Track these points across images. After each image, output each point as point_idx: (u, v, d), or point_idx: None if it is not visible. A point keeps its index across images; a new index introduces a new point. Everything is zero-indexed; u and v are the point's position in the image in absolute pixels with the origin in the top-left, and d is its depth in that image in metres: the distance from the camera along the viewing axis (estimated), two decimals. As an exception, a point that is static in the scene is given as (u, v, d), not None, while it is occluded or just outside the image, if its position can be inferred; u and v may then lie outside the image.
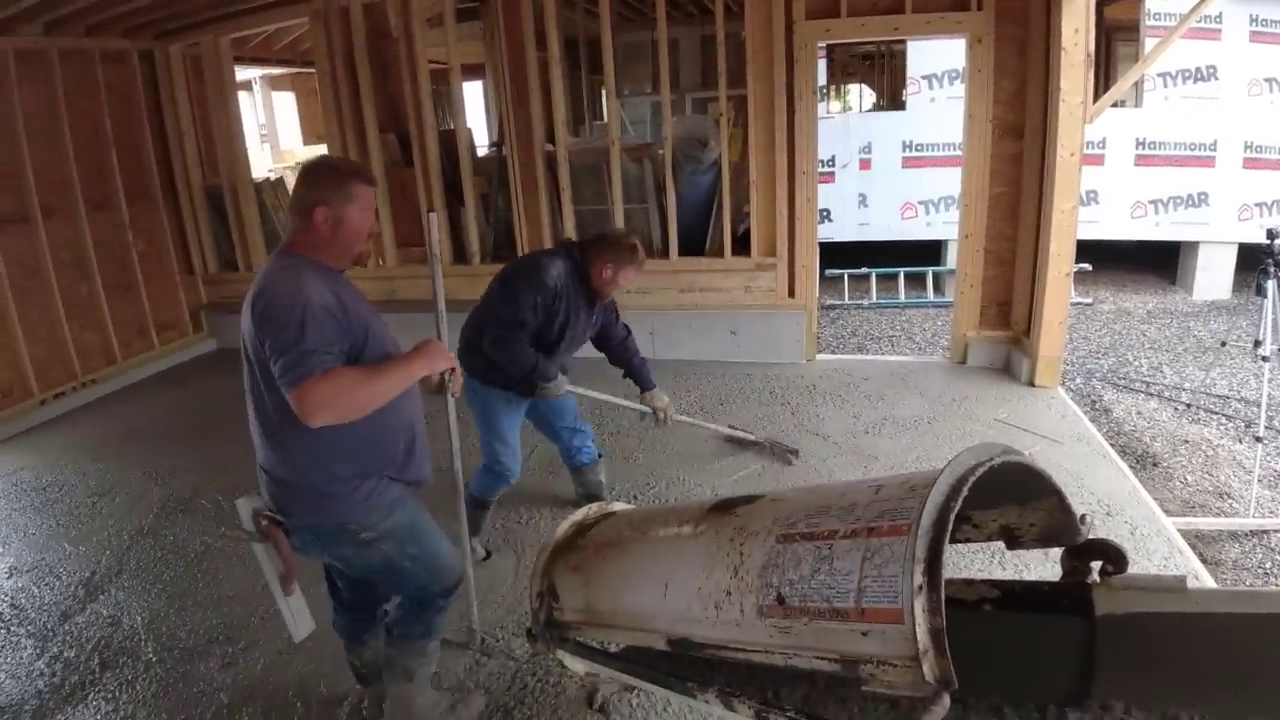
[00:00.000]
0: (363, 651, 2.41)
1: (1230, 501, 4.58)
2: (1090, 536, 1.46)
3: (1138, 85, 8.46)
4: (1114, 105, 7.78)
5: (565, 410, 3.37)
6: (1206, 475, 4.87)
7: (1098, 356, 6.93)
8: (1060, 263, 4.65)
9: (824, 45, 7.75)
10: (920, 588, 1.04)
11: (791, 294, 5.53)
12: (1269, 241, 4.82)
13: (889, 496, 1.21)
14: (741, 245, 5.61)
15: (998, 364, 5.28)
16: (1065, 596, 1.49)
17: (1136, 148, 8.67)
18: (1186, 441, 5.28)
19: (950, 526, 1.06)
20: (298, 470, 1.95)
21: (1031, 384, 4.90)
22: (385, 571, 2.10)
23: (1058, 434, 4.27)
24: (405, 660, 2.26)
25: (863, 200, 9.17)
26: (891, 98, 10.26)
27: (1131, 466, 4.43)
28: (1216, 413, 5.72)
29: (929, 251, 9.16)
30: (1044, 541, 1.44)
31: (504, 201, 6.00)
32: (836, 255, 8.93)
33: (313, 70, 6.51)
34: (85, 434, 4.98)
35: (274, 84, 11.98)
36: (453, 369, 2.11)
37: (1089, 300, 8.50)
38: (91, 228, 5.59)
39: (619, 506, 2.12)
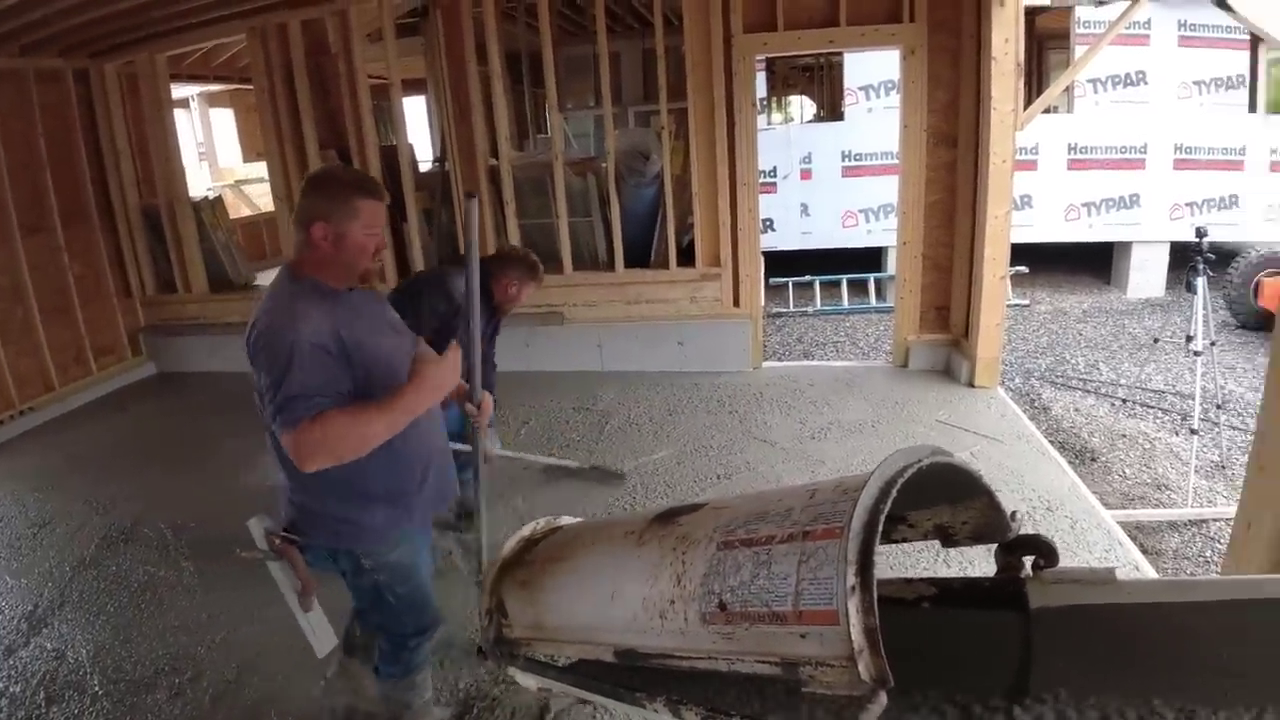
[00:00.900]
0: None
1: (1168, 493, 4.72)
2: (1022, 532, 1.50)
3: (1069, 92, 8.75)
4: (1046, 112, 8.01)
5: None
6: (1144, 468, 5.02)
7: (1036, 356, 7.12)
8: (995, 266, 4.79)
9: (763, 58, 7.88)
10: (853, 588, 1.06)
11: (737, 303, 5.60)
12: (1198, 240, 5.02)
13: (823, 500, 1.23)
14: (686, 256, 5.67)
15: (939, 366, 5.41)
16: (1000, 592, 1.52)
17: (1069, 152, 8.98)
18: (1124, 436, 5.45)
19: (880, 528, 1.08)
20: (312, 496, 1.95)
21: (971, 385, 5.03)
22: (370, 600, 2.10)
23: (998, 433, 4.39)
24: (396, 695, 2.26)
25: (805, 209, 9.33)
26: (831, 109, 10.48)
27: (1071, 462, 4.56)
28: (1152, 407, 5.91)
29: (870, 258, 9.36)
30: (977, 539, 1.48)
31: (447, 216, 5.97)
32: (781, 264, 9.09)
33: (252, 86, 6.41)
34: (24, 464, 4.84)
35: (212, 101, 11.73)
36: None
37: (1026, 301, 8.75)
38: (26, 251, 5.43)
39: (566, 520, 2.12)
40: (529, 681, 2.08)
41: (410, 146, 6.19)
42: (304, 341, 1.72)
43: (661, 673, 1.49)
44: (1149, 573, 3.28)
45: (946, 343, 5.38)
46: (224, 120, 11.93)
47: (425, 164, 7.98)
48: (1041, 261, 9.24)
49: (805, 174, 9.27)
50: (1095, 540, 3.35)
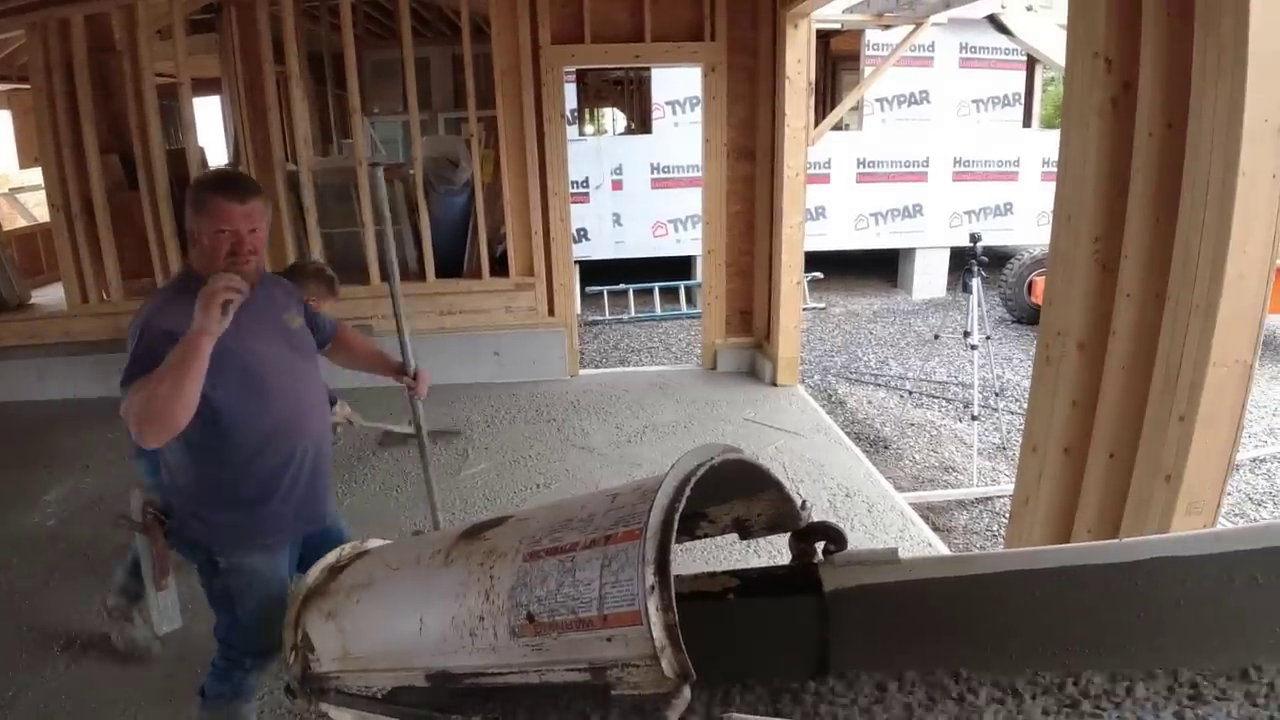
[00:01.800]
0: None
1: (955, 474, 5.08)
2: (813, 520, 1.59)
3: (858, 110, 9.41)
4: (836, 128, 8.64)
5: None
6: (932, 453, 5.42)
7: (832, 355, 7.61)
8: (791, 273, 5.09)
9: (573, 70, 7.96)
10: (652, 588, 1.09)
11: (552, 312, 5.62)
12: (973, 244, 5.54)
13: (624, 504, 1.26)
14: (500, 266, 5.62)
15: (744, 368, 5.68)
16: (797, 578, 1.61)
17: (858, 166, 9.63)
18: (913, 425, 5.89)
19: (675, 526, 1.12)
20: (176, 487, 1.99)
21: (774, 384, 5.31)
22: (218, 604, 2.06)
23: (800, 427, 4.66)
24: None
25: (617, 220, 9.49)
26: (641, 122, 10.71)
27: (866, 451, 4.88)
28: (937, 397, 6.42)
29: (681, 267, 9.66)
30: (771, 529, 1.56)
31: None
32: (595, 273, 9.21)
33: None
34: None
35: None
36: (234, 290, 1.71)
37: (822, 305, 9.34)
38: None
39: (374, 544, 2.04)
40: (344, 716, 1.98)
41: (201, 150, 5.75)
42: (151, 325, 1.77)
43: (476, 692, 1.46)
44: (941, 548, 3.57)
45: (751, 345, 5.66)
46: (1, 122, 10.57)
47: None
48: (835, 267, 9.88)
49: (616, 185, 9.43)
50: (891, 522, 3.61)
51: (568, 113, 5.51)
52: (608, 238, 9.54)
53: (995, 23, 9.11)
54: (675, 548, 1.16)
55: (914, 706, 1.42)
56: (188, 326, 1.68)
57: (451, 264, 5.65)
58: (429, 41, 9.13)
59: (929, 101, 9.56)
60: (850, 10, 7.63)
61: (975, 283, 5.50)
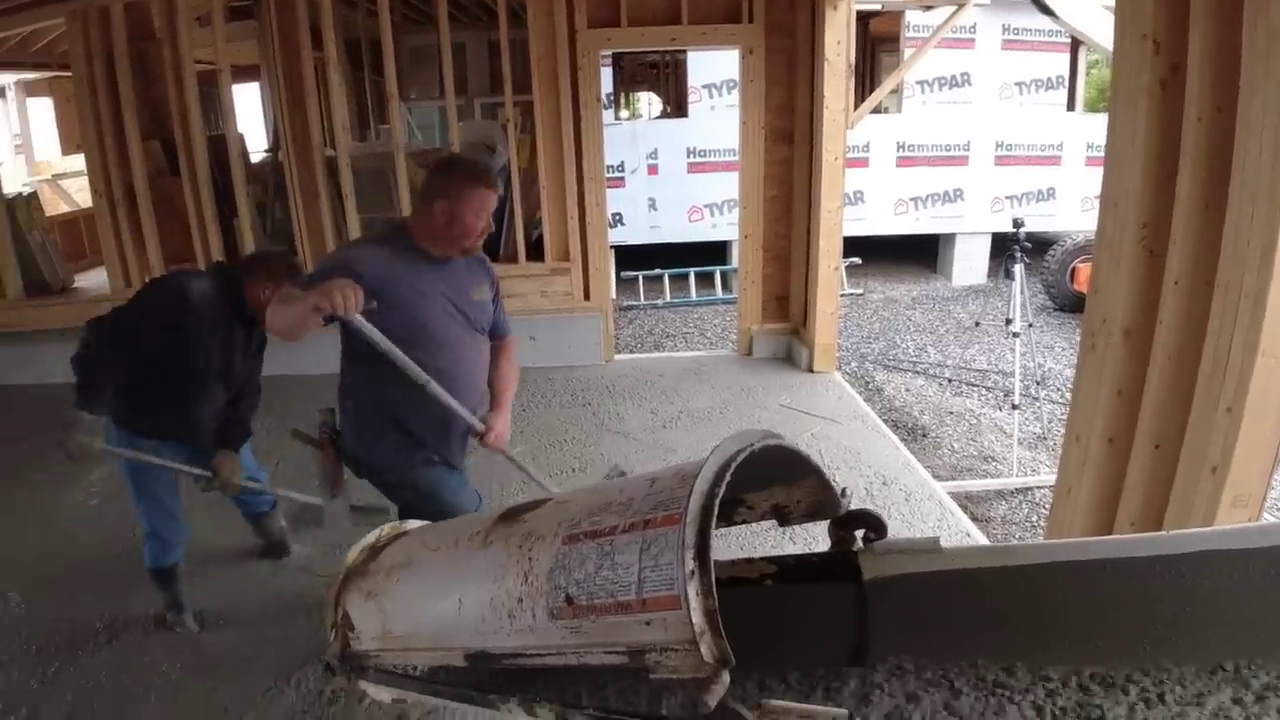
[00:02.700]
0: None
1: (995, 464, 5.05)
2: (852, 507, 1.58)
3: (898, 92, 9.27)
4: (876, 111, 8.52)
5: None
6: (971, 442, 5.39)
7: (869, 341, 7.54)
8: (829, 258, 5.03)
9: (609, 54, 7.93)
10: (692, 572, 1.08)
11: (588, 297, 5.62)
12: (1016, 229, 5.45)
13: (663, 488, 1.25)
14: (536, 250, 5.63)
15: (780, 354, 5.64)
16: (835, 565, 1.59)
17: (898, 150, 9.51)
18: (952, 413, 5.84)
19: (715, 511, 1.11)
20: (344, 409, 2.30)
21: (811, 370, 5.27)
22: (407, 508, 2.30)
23: (837, 414, 4.62)
24: None
25: (652, 204, 9.46)
26: (677, 105, 10.64)
27: (903, 439, 4.84)
28: (977, 385, 6.36)
29: (716, 251, 9.62)
30: (810, 516, 1.55)
31: (282, 210, 5.66)
32: (630, 258, 9.20)
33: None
34: None
35: (30, 89, 10.57)
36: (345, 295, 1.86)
37: (860, 290, 9.24)
38: None
39: (412, 524, 2.06)
40: (382, 694, 2.01)
41: (240, 136, 5.83)
42: (344, 256, 2.08)
43: (514, 673, 1.47)
44: (979, 539, 3.53)
45: (787, 331, 5.62)
46: (42, 110, 10.79)
47: (257, 155, 7.55)
48: (873, 253, 9.75)
49: (652, 169, 9.40)
50: (928, 511, 3.57)
51: (603, 97, 5.49)
52: (643, 222, 9.52)
53: (1038, 3, 8.85)
54: (713, 533, 1.15)
55: (953, 697, 1.41)
56: (368, 269, 2.00)
57: (487, 248, 5.65)
58: (465, 27, 9.16)
59: (970, 84, 9.38)
60: (890, -9, 7.49)
61: (1018, 268, 5.41)
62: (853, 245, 8.64)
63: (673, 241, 9.60)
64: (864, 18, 10.06)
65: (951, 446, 5.36)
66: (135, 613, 3.02)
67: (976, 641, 1.47)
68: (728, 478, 1.16)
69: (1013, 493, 4.77)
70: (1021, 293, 5.43)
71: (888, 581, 1.56)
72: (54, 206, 8.19)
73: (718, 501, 1.13)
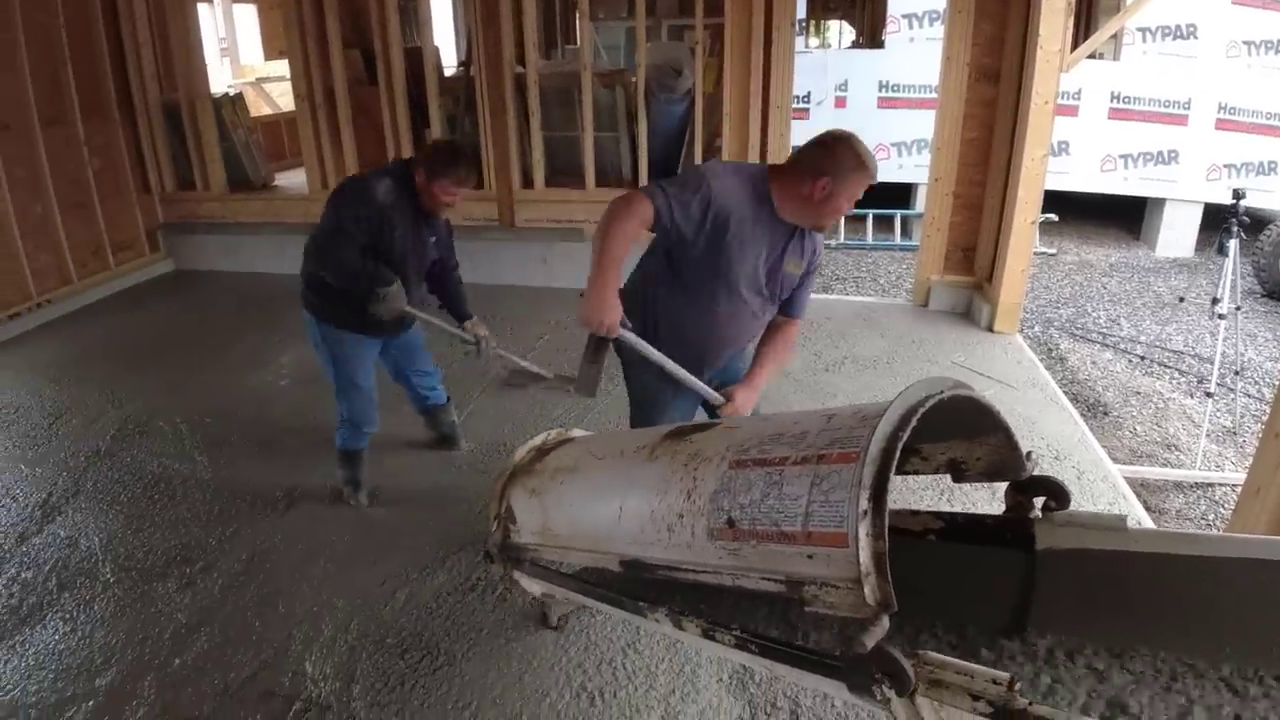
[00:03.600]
0: None
1: (1177, 454, 4.69)
2: (1035, 473, 1.49)
3: (1117, 38, 8.44)
4: (1091, 57, 7.78)
5: (414, 352, 3.26)
6: (1156, 427, 4.99)
7: (1057, 306, 7.03)
8: (1027, 210, 4.68)
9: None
10: (865, 513, 1.06)
11: (760, 231, 5.51)
12: (1235, 201, 4.89)
13: (840, 425, 1.22)
14: (712, 180, 5.56)
15: (959, 308, 5.34)
16: (1007, 530, 1.52)
17: (1111, 101, 8.68)
18: (1138, 393, 5.41)
19: (897, 455, 1.08)
20: (642, 307, 2.27)
21: (990, 329, 4.97)
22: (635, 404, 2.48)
23: (1012, 379, 4.36)
24: None
25: (837, 139, 9.09)
26: (871, 36, 10.12)
27: (1083, 414, 4.53)
28: (1170, 367, 5.84)
29: (899, 194, 9.13)
30: (989, 476, 1.47)
31: (471, 124, 5.85)
32: (806, 195, 8.91)
33: (276, -19, 6.24)
34: (41, 356, 4.85)
35: None
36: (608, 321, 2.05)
37: (1053, 250, 8.59)
38: (46, 144, 5.32)
39: (578, 433, 2.14)
40: (534, 587, 2.13)
41: (436, 50, 6.04)
42: (711, 179, 2.06)
43: (665, 585, 1.51)
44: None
45: (969, 285, 5.31)
46: (247, 16, 11.63)
47: (450, 69, 7.82)
48: (1072, 210, 9.03)
49: (840, 102, 9.02)
50: (1100, 493, 3.35)
51: (795, 22, 5.27)
52: (825, 157, 9.18)
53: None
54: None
55: (1115, 683, 1.33)
56: (727, 201, 2.05)
57: (664, 174, 5.66)
58: (659, -54, 9.04)
59: (1196, 37, 8.35)
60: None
61: (1233, 244, 4.86)
62: (1051, 201, 7.96)
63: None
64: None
65: (1133, 429, 4.97)
66: (312, 485, 3.30)
67: (1149, 631, 1.38)
68: (913, 423, 1.12)
69: (1192, 486, 4.41)
70: (1234, 272, 4.89)
71: (1062, 554, 1.48)
72: (257, 108, 8.82)
73: (900, 445, 1.09)
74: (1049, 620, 1.49)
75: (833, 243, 8.61)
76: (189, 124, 6.17)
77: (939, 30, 6.89)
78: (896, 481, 1.09)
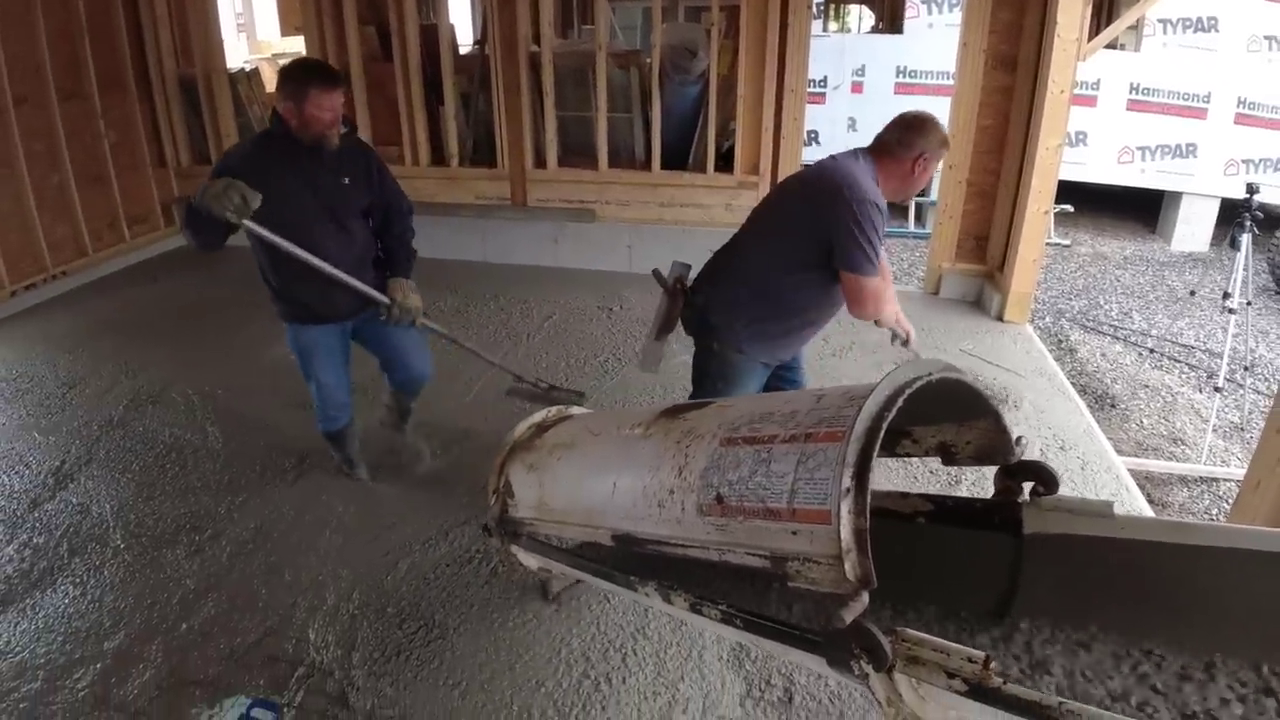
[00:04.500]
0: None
1: (1183, 448, 4.68)
2: (1025, 458, 1.50)
3: (1136, 29, 8.31)
4: (1110, 47, 7.67)
5: (397, 351, 3.04)
6: (1163, 420, 4.97)
7: (1069, 298, 6.99)
8: (1040, 200, 4.65)
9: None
10: (848, 490, 1.08)
11: (772, 215, 5.50)
12: (1249, 195, 4.85)
13: (829, 405, 1.24)
14: (725, 162, 5.54)
15: (970, 297, 5.32)
16: (996, 514, 1.54)
17: (1130, 92, 8.56)
18: (1147, 386, 5.39)
19: (881, 435, 1.09)
20: (724, 302, 2.49)
21: (1000, 319, 4.95)
22: (701, 380, 2.64)
23: (1020, 367, 4.35)
24: None
25: (852, 124, 9.01)
26: (890, 21, 10.00)
27: (1090, 405, 4.51)
28: (1179, 361, 5.81)
29: (914, 182, 9.07)
30: (979, 459, 1.49)
31: (485, 103, 5.85)
32: (821, 181, 8.87)
33: (293, -44, 6.24)
34: (56, 326, 4.90)
35: None
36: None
37: (1067, 241, 8.53)
38: (63, 117, 5.36)
39: (577, 410, 2.16)
40: (530, 561, 2.17)
41: (451, 27, 6.03)
42: (881, 205, 2.28)
43: (655, 560, 1.54)
44: (1151, 521, 3.29)
45: (980, 274, 5.28)
46: None
47: (465, 47, 7.81)
48: (1088, 201, 8.94)
49: (856, 87, 8.94)
50: (1104, 484, 3.35)
51: (813, 6, 5.22)
52: (840, 143, 9.06)
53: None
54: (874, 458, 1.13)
55: (1094, 669, 1.34)
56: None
57: (677, 156, 5.65)
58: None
59: (1217, 30, 8.21)
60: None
61: (1245, 239, 4.83)
62: (1066, 191, 7.91)
63: (869, 165, 9.15)
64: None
65: (1140, 422, 4.95)
66: (321, 457, 3.33)
67: (1132, 618, 1.40)
68: (899, 403, 1.14)
69: (1196, 481, 4.41)
70: (1246, 267, 4.85)
71: (1049, 539, 1.50)
72: (272, 84, 8.82)
73: (884, 425, 1.11)
74: (1034, 603, 1.51)
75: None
76: (205, 99, 6.19)
77: (957, 17, 6.82)
78: (898, 466, 1.10)
